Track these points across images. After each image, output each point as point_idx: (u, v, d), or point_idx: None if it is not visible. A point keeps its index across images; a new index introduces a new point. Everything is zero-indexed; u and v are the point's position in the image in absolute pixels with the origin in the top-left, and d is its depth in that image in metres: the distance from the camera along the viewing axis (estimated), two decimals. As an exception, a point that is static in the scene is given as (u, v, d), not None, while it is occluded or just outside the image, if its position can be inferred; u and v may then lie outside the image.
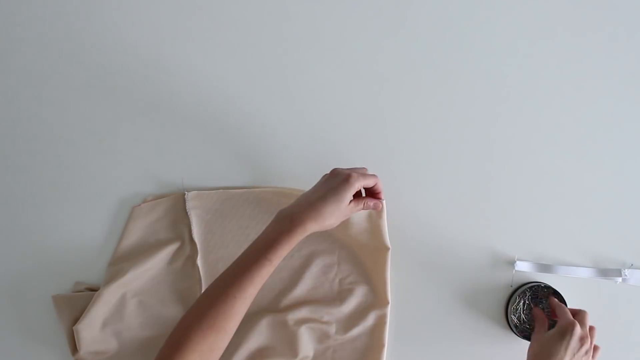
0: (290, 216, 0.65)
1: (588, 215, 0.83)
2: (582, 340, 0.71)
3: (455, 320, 0.83)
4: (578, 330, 0.72)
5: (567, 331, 0.71)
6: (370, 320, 0.81)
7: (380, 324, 0.81)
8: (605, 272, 0.82)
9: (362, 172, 0.72)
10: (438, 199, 0.84)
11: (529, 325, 0.82)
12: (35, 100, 0.87)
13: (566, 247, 0.83)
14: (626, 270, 0.81)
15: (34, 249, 0.85)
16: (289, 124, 0.86)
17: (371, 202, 0.74)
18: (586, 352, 0.71)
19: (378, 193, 0.75)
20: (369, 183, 0.71)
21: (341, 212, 0.68)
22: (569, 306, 0.80)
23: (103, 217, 0.85)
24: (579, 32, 0.85)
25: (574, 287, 0.82)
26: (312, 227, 0.65)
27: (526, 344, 0.81)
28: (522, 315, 0.82)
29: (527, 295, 0.81)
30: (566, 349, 0.70)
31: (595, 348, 0.75)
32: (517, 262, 0.82)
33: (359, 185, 0.69)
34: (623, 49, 0.84)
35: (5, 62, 0.87)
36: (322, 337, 0.81)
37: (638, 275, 0.82)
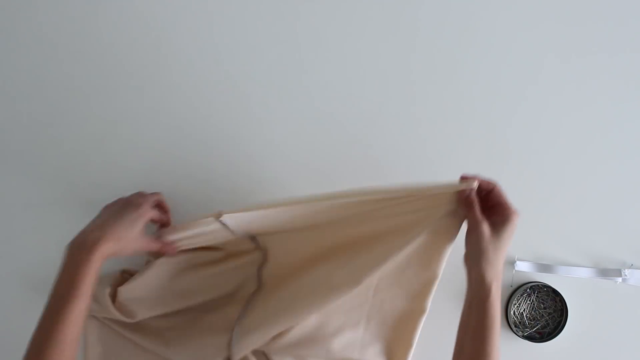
0: (84, 242, 0.64)
1: (588, 215, 0.83)
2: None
3: (455, 320, 0.83)
4: (517, 215, 0.64)
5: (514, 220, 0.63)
6: None
7: None
8: (605, 272, 0.82)
9: (151, 196, 0.76)
10: (438, 199, 0.84)
11: (529, 325, 0.82)
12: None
13: (566, 247, 0.83)
14: (626, 270, 0.81)
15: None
16: (289, 124, 0.86)
17: (166, 247, 0.73)
18: None
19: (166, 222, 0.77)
20: (155, 200, 0.76)
21: (136, 239, 0.68)
22: (568, 307, 0.80)
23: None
24: (579, 32, 0.85)
25: (574, 287, 0.82)
26: (108, 248, 0.64)
27: (526, 344, 0.81)
28: (523, 315, 0.82)
29: (528, 294, 0.81)
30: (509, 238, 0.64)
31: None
32: (517, 262, 0.82)
33: (149, 205, 0.72)
34: (623, 49, 0.84)
35: (6, 67, 0.87)
36: None
37: (638, 275, 0.82)
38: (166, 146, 0.86)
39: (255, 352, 0.78)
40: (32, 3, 0.87)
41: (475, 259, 0.63)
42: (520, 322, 0.82)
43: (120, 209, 0.70)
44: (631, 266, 0.82)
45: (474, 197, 0.65)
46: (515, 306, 0.82)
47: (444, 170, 0.85)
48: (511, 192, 0.84)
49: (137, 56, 0.87)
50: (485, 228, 0.63)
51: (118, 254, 0.66)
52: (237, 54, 0.86)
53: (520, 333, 0.81)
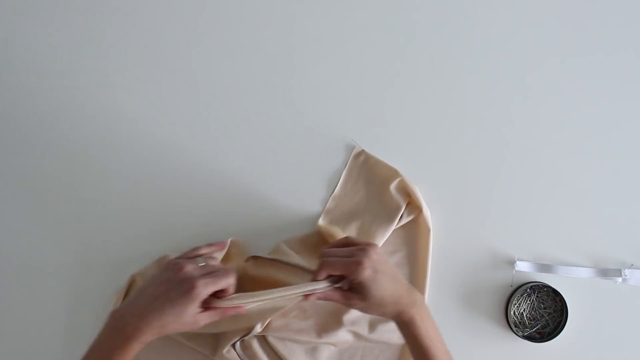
0: (124, 328, 0.57)
1: (588, 215, 0.83)
2: (367, 250, 0.62)
3: (455, 320, 0.83)
4: (362, 265, 0.61)
5: (366, 268, 0.60)
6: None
7: None
8: (605, 272, 0.82)
9: (212, 275, 0.60)
10: (438, 199, 0.84)
11: (529, 325, 0.82)
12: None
13: (566, 247, 0.83)
14: (626, 270, 0.81)
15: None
16: (289, 124, 0.86)
17: (219, 312, 0.62)
18: (378, 257, 0.63)
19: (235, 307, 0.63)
20: (220, 286, 0.60)
21: (186, 325, 0.59)
22: (568, 307, 0.80)
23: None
24: (580, 32, 0.85)
25: (574, 287, 0.82)
26: (149, 338, 0.58)
27: (526, 344, 0.81)
28: (523, 315, 0.82)
29: (528, 294, 0.81)
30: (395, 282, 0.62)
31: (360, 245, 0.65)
32: (517, 262, 0.82)
33: (204, 295, 0.58)
34: (623, 49, 0.84)
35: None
36: (355, 335, 0.80)
37: (638, 275, 0.82)
38: (167, 148, 0.86)
39: (256, 337, 0.79)
40: (32, 3, 0.87)
41: (376, 315, 0.65)
42: (520, 322, 0.82)
43: (169, 289, 0.59)
44: (631, 266, 0.82)
45: (322, 295, 0.64)
46: (515, 306, 0.82)
47: (444, 171, 0.85)
48: (511, 192, 0.84)
49: (137, 56, 0.87)
50: (356, 302, 0.63)
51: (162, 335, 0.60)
52: (237, 55, 0.86)
53: (520, 333, 0.81)
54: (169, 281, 0.59)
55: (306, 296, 0.63)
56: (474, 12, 0.85)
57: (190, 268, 0.60)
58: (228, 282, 0.61)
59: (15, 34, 0.87)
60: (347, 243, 0.66)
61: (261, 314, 0.76)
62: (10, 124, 0.87)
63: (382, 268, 0.61)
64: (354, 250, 0.62)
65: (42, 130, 0.87)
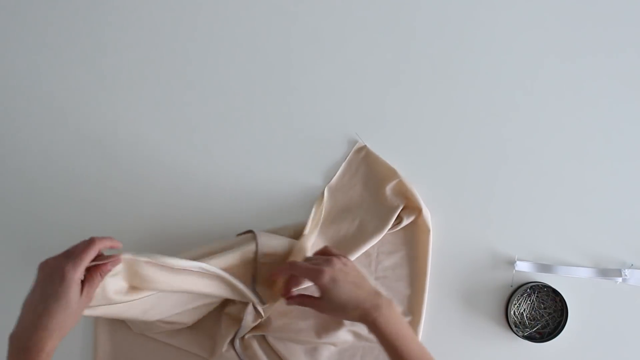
0: (26, 346, 0.56)
1: (588, 215, 0.83)
2: (331, 260, 0.67)
3: (455, 320, 0.83)
4: (321, 273, 0.66)
5: (324, 278, 0.66)
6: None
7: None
8: (605, 272, 0.82)
9: (76, 253, 0.58)
10: (438, 199, 0.84)
11: (529, 325, 0.82)
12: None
13: (566, 247, 0.83)
14: (626, 270, 0.81)
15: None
16: (292, 120, 0.86)
17: (102, 268, 0.60)
18: (343, 265, 0.68)
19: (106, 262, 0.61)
20: (90, 255, 0.59)
21: (77, 310, 0.58)
22: (568, 307, 0.80)
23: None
24: (581, 34, 0.85)
25: (574, 287, 0.82)
26: (54, 343, 0.57)
27: (526, 344, 0.81)
28: (523, 315, 0.82)
29: (528, 294, 0.81)
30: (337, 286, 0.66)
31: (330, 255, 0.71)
32: (517, 262, 0.82)
33: (78, 277, 0.57)
34: (624, 50, 0.84)
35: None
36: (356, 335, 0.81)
37: (638, 275, 0.82)
38: (165, 147, 0.86)
39: (256, 337, 0.80)
40: (33, 3, 0.87)
41: (345, 320, 0.70)
42: (520, 322, 0.82)
43: (45, 289, 0.58)
44: (631, 266, 0.82)
45: (295, 302, 0.72)
46: (515, 306, 0.82)
47: (444, 171, 0.85)
48: (511, 192, 0.84)
49: (136, 57, 0.87)
50: (324, 307, 0.68)
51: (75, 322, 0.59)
52: (242, 50, 0.86)
53: (520, 333, 0.81)
54: (41, 282, 0.58)
55: (287, 299, 0.72)
56: (477, 11, 0.85)
57: (51, 260, 0.59)
58: (95, 248, 0.59)
59: (15, 34, 0.87)
60: (324, 253, 0.72)
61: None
62: (10, 124, 0.87)
63: (342, 276, 0.66)
64: (320, 260, 0.68)
65: (43, 130, 0.87)
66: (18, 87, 0.87)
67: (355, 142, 0.85)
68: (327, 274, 0.66)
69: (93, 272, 0.60)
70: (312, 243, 0.79)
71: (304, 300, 0.71)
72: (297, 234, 0.81)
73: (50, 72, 0.87)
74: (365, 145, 0.85)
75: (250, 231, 0.79)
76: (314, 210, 0.82)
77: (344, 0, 0.86)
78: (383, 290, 0.82)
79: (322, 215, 0.82)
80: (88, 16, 0.87)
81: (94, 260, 0.60)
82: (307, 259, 0.71)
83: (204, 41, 0.87)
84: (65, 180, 0.86)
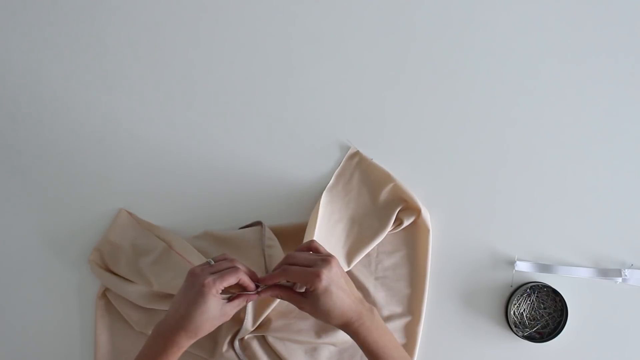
0: (164, 335, 0.64)
1: (588, 215, 0.83)
2: (328, 262, 0.65)
3: (455, 321, 0.83)
4: (319, 278, 0.64)
5: (320, 284, 0.63)
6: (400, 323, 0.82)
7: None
8: (605, 272, 0.82)
9: (220, 273, 0.65)
10: (438, 199, 0.84)
11: (529, 325, 0.82)
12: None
13: (566, 247, 0.83)
14: (626, 270, 0.81)
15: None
16: (286, 124, 0.86)
17: (242, 299, 0.67)
18: (334, 267, 0.65)
19: (248, 286, 0.67)
20: (230, 282, 0.64)
21: (215, 319, 0.65)
22: (568, 307, 0.80)
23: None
24: (582, 35, 0.84)
25: (574, 287, 0.82)
26: (188, 342, 0.65)
27: (526, 344, 0.81)
28: (523, 315, 0.82)
29: (528, 294, 0.81)
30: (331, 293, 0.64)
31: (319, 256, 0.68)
32: (517, 262, 0.82)
33: (215, 291, 0.63)
34: (624, 51, 0.84)
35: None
36: None
37: (638, 275, 0.82)
38: (166, 145, 0.86)
39: (255, 337, 0.80)
40: (33, 3, 0.87)
41: (322, 321, 0.67)
42: (520, 322, 0.82)
43: (187, 294, 0.64)
44: (631, 266, 0.82)
45: (274, 293, 0.68)
46: (515, 306, 0.82)
47: (444, 171, 0.85)
48: (511, 192, 0.84)
49: (136, 56, 0.87)
50: (304, 306, 0.66)
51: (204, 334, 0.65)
52: (236, 55, 0.86)
53: (520, 333, 0.81)
54: (186, 288, 0.65)
55: (258, 293, 0.68)
56: (477, 11, 0.85)
57: (198, 270, 0.65)
58: (237, 276, 0.65)
59: (15, 34, 0.87)
60: (310, 248, 0.69)
61: None
62: (10, 124, 0.87)
63: (337, 282, 0.65)
64: (316, 260, 0.66)
65: (43, 130, 0.87)
66: (18, 87, 0.87)
67: (348, 148, 0.85)
68: (324, 279, 0.63)
69: (240, 297, 0.67)
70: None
71: (281, 292, 0.68)
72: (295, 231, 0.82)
73: (50, 71, 0.87)
74: (358, 151, 0.85)
75: (258, 223, 0.80)
76: (311, 218, 0.81)
77: (341, 4, 0.86)
78: (383, 291, 0.82)
79: (319, 222, 0.80)
80: (88, 15, 0.87)
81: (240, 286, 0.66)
82: (294, 256, 0.67)
83: (202, 44, 0.87)
84: (65, 180, 0.86)
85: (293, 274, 0.65)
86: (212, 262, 0.67)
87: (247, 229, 0.83)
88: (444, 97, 0.85)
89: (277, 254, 0.78)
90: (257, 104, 0.86)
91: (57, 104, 0.87)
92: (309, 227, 0.79)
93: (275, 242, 0.79)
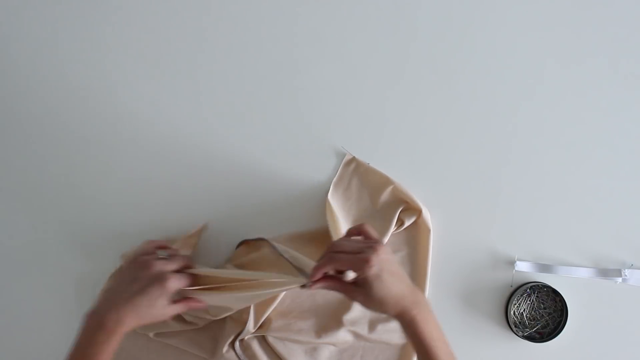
0: (105, 324, 0.61)
1: (588, 215, 0.83)
2: (376, 249, 0.62)
3: (455, 320, 0.83)
4: (369, 264, 0.60)
5: (371, 269, 0.60)
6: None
7: None
8: (605, 272, 0.82)
9: (173, 264, 0.66)
10: (438, 199, 0.84)
11: (529, 325, 0.82)
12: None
13: (566, 247, 0.83)
14: (626, 270, 0.81)
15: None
16: (283, 129, 0.86)
17: (185, 305, 0.68)
18: (385, 254, 0.62)
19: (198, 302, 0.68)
20: (185, 286, 0.66)
21: (157, 315, 0.64)
22: (568, 307, 0.80)
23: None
24: (583, 37, 0.84)
25: (574, 287, 0.82)
26: (127, 329, 0.62)
27: (526, 344, 0.81)
28: (523, 315, 0.82)
29: (528, 294, 0.81)
30: (383, 280, 0.61)
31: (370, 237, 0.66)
32: (517, 262, 0.82)
33: (175, 288, 0.64)
34: (626, 52, 0.84)
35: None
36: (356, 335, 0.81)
37: (638, 275, 0.82)
38: (165, 146, 0.86)
39: (256, 337, 0.80)
40: (33, 2, 0.87)
41: (377, 312, 0.64)
42: (520, 322, 0.82)
43: (143, 284, 0.63)
44: (631, 266, 0.82)
45: (325, 285, 0.64)
46: (515, 306, 0.82)
47: (445, 171, 0.85)
48: (512, 192, 0.84)
49: (137, 56, 0.87)
50: (357, 296, 0.62)
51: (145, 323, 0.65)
52: (236, 55, 0.86)
53: (520, 333, 0.81)
54: (142, 278, 0.64)
55: (308, 286, 0.64)
56: (475, 14, 0.85)
57: (160, 264, 0.65)
58: (182, 262, 0.67)
59: (15, 34, 0.87)
60: (360, 232, 0.66)
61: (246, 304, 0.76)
62: (10, 120, 0.87)
63: (388, 267, 0.61)
64: (363, 247, 0.62)
65: (43, 127, 0.87)
66: (18, 87, 0.87)
67: (344, 155, 0.85)
68: (374, 265, 0.59)
69: (185, 302, 0.68)
70: None
71: (334, 284, 0.63)
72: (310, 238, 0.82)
73: (51, 71, 0.87)
74: (353, 157, 0.84)
75: (260, 239, 0.80)
76: (329, 220, 0.80)
77: (336, 9, 0.86)
78: None
79: (336, 224, 0.79)
80: (89, 15, 0.87)
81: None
82: (345, 240, 0.65)
83: (201, 47, 0.87)
84: (65, 180, 0.86)
85: (340, 261, 0.61)
86: (164, 255, 0.69)
87: (256, 253, 0.81)
88: (443, 97, 0.85)
89: (297, 255, 0.76)
90: (253, 110, 0.86)
91: (57, 104, 0.87)
92: (333, 229, 0.78)
93: (287, 248, 0.78)
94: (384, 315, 0.80)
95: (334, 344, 0.80)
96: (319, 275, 0.63)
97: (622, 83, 0.84)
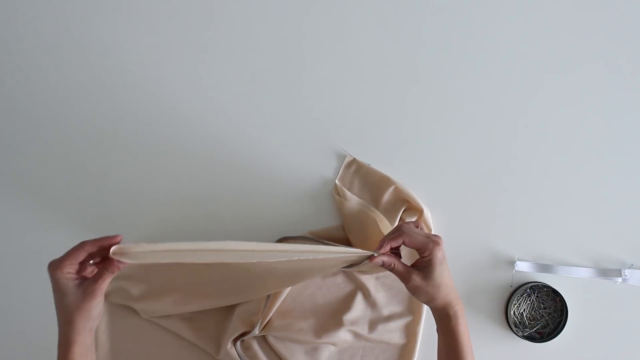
0: (61, 341, 0.62)
1: (588, 216, 0.83)
2: (436, 242, 0.64)
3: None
4: (437, 246, 0.63)
5: (438, 254, 0.63)
6: (401, 322, 0.82)
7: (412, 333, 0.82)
8: (605, 272, 0.82)
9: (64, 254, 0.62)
10: (438, 199, 0.84)
11: (529, 325, 0.82)
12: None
13: (566, 247, 0.83)
14: (626, 270, 0.81)
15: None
16: (284, 130, 0.86)
17: (102, 272, 0.62)
18: (436, 244, 0.64)
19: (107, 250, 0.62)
20: (76, 256, 0.61)
21: (84, 302, 0.61)
22: (568, 307, 0.80)
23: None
24: (586, 39, 0.84)
25: (574, 287, 0.82)
26: (82, 335, 0.62)
27: (526, 344, 0.81)
28: (523, 315, 0.82)
29: (528, 294, 0.81)
30: (442, 263, 0.64)
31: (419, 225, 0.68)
32: (517, 262, 0.82)
33: (63, 271, 0.60)
34: (626, 56, 0.84)
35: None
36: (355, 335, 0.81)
37: (638, 275, 0.82)
38: (165, 146, 0.86)
39: (256, 337, 0.80)
40: (32, 3, 0.87)
41: (423, 300, 0.66)
42: (520, 322, 0.82)
43: (52, 288, 0.62)
44: (631, 266, 0.82)
45: (390, 260, 0.64)
46: (515, 306, 0.82)
47: (445, 171, 0.85)
48: (512, 193, 0.84)
49: (136, 58, 0.87)
50: (415, 278, 0.64)
51: (93, 314, 0.62)
52: (237, 57, 0.87)
53: (520, 333, 0.81)
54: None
55: (371, 258, 0.64)
56: (477, 17, 0.85)
57: (50, 261, 0.62)
58: (82, 248, 0.61)
59: (15, 34, 0.88)
60: (416, 227, 0.68)
61: (297, 274, 0.72)
62: (10, 124, 0.87)
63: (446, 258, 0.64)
64: (430, 234, 0.65)
65: (44, 127, 0.87)
66: (19, 87, 0.87)
67: (344, 156, 0.85)
68: (442, 249, 0.63)
69: (100, 269, 0.62)
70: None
71: (395, 261, 0.64)
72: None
73: (51, 71, 0.87)
74: (354, 159, 0.85)
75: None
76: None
77: (336, 13, 0.86)
78: (383, 291, 0.82)
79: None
80: (90, 15, 0.87)
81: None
82: (409, 225, 0.66)
83: (203, 46, 0.87)
84: (66, 179, 0.86)
85: (414, 236, 0.63)
86: None
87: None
88: (444, 98, 0.85)
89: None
90: (253, 112, 0.86)
91: (57, 104, 0.87)
92: (382, 226, 0.78)
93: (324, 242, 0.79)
94: (384, 315, 0.81)
95: (334, 344, 0.80)
96: (387, 247, 0.64)
97: (621, 85, 0.84)
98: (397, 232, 0.64)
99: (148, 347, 0.82)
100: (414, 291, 0.65)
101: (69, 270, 0.61)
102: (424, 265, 0.64)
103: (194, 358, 0.81)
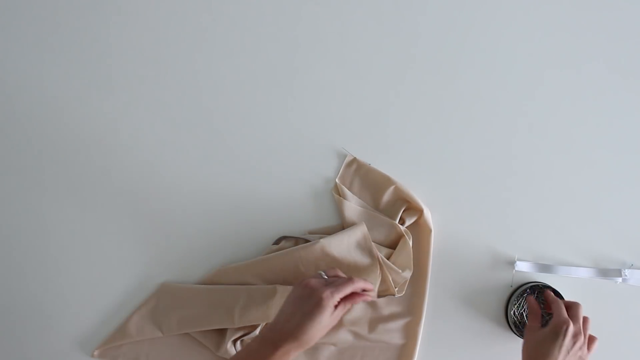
0: (273, 342, 0.64)
1: (588, 216, 0.83)
2: (575, 337, 0.71)
3: (455, 320, 0.83)
4: (571, 328, 0.71)
5: (561, 330, 0.71)
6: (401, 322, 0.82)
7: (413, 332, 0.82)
8: (605, 272, 0.82)
9: (336, 284, 0.67)
10: (438, 199, 0.84)
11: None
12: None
13: (566, 247, 0.83)
14: (626, 270, 0.81)
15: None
16: (284, 132, 0.86)
17: (356, 299, 0.68)
18: (580, 348, 0.71)
19: (362, 293, 0.69)
20: (345, 292, 0.67)
21: (325, 328, 0.66)
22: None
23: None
24: (586, 39, 0.85)
25: (574, 287, 0.82)
26: (296, 351, 0.65)
27: (526, 344, 0.81)
28: (523, 315, 0.82)
29: (528, 294, 0.81)
30: (560, 348, 0.70)
31: (591, 339, 0.74)
32: (517, 262, 0.82)
33: (333, 304, 0.65)
34: (627, 56, 0.84)
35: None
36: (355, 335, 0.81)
37: (638, 275, 0.82)
38: (165, 146, 0.86)
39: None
40: (33, 3, 0.87)
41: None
42: (520, 322, 0.82)
43: (302, 305, 0.66)
44: (631, 266, 0.82)
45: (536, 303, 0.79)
46: (515, 306, 0.82)
47: (445, 171, 0.85)
48: (512, 193, 0.84)
49: (136, 58, 0.87)
50: (531, 336, 0.74)
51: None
52: (237, 57, 0.87)
53: (520, 333, 0.81)
54: (300, 298, 0.66)
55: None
56: (478, 17, 0.85)
57: (314, 282, 0.67)
58: (353, 287, 0.67)
59: (15, 33, 0.88)
60: (568, 307, 0.76)
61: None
62: (10, 124, 0.87)
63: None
64: (572, 305, 0.75)
65: (44, 129, 0.87)
66: (19, 87, 0.87)
67: (345, 155, 0.85)
68: (571, 325, 0.71)
69: (346, 300, 0.67)
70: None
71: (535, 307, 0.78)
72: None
73: (51, 71, 0.87)
74: (354, 158, 0.85)
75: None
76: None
77: (337, 13, 0.86)
78: None
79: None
80: (89, 16, 0.87)
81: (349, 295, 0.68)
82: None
83: (202, 47, 0.87)
84: (66, 179, 0.86)
85: (556, 303, 0.75)
86: (324, 274, 0.70)
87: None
88: (444, 98, 0.85)
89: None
90: (253, 111, 0.86)
91: (57, 104, 0.87)
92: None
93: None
94: (384, 315, 0.81)
95: (334, 344, 0.80)
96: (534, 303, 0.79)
97: (620, 85, 0.84)
98: (549, 297, 0.78)
99: (149, 340, 0.82)
100: (528, 340, 0.75)
101: (336, 303, 0.66)
102: (547, 326, 0.73)
103: (194, 353, 0.81)
